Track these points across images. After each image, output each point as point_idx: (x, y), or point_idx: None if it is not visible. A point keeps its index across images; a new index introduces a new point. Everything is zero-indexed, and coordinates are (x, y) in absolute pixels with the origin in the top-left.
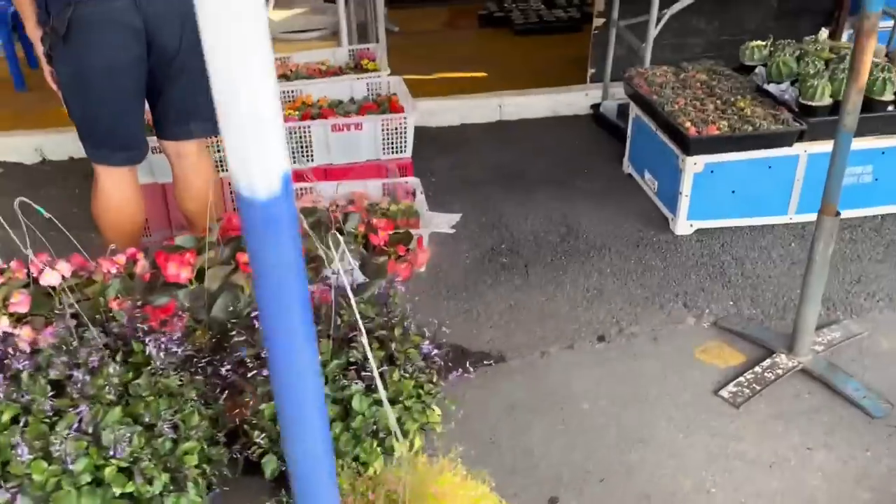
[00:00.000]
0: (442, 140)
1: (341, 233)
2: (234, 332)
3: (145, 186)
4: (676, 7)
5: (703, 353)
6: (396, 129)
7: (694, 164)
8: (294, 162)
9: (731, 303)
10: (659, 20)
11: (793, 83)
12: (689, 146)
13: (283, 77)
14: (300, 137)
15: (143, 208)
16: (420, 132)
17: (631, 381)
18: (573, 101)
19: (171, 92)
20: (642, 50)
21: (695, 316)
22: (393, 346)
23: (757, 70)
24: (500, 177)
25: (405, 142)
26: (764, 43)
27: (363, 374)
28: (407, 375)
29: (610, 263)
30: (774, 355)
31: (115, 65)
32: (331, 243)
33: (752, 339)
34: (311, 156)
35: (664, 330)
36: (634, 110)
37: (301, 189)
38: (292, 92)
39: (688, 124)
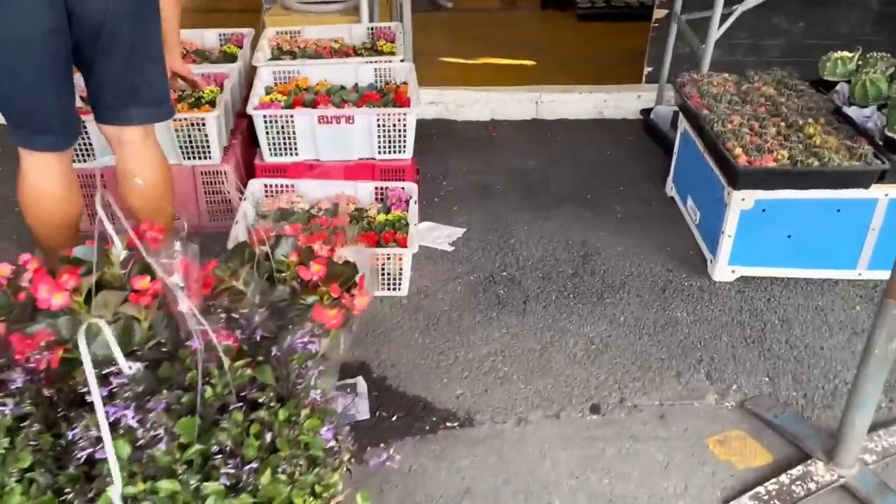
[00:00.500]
0: (465, 137)
1: (268, 260)
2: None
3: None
4: (750, 2)
5: (718, 445)
6: (394, 125)
7: (742, 200)
8: (273, 154)
9: (767, 378)
10: (729, 17)
11: (880, 108)
12: (738, 178)
13: (290, 54)
14: (282, 127)
15: (79, 200)
16: (442, 126)
17: (620, 473)
18: (623, 102)
19: (104, 69)
20: (701, 51)
21: (718, 392)
22: (274, 430)
23: (838, 87)
24: (521, 186)
25: (404, 141)
26: (851, 55)
27: (229, 466)
28: (284, 476)
29: (626, 309)
30: (810, 462)
31: (25, 36)
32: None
33: (786, 433)
34: (295, 149)
35: (676, 406)
36: (683, 123)
37: (280, 186)
38: (288, 72)
39: (738, 150)
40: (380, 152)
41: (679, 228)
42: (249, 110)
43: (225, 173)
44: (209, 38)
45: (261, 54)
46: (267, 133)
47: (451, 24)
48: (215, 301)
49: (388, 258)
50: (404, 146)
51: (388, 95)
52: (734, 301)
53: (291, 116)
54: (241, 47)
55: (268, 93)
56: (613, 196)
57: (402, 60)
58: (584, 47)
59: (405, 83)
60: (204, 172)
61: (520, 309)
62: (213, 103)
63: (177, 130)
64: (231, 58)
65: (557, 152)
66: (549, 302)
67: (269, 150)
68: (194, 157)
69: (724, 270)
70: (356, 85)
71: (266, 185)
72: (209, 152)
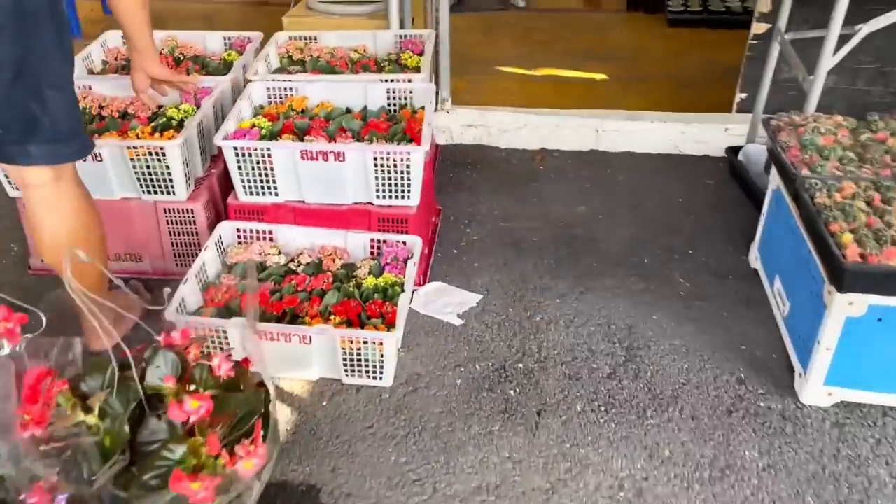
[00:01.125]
0: (505, 168)
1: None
2: None
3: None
4: (881, 21)
5: None
6: (395, 166)
7: (849, 305)
8: (249, 192)
9: None
10: (849, 39)
11: None
12: (843, 276)
13: (300, 64)
14: (257, 162)
15: None
16: (480, 154)
17: None
18: (706, 135)
19: None
20: (807, 83)
21: None
22: None
23: None
24: (562, 240)
25: (409, 184)
26: None
27: None
28: None
29: (674, 438)
30: None
31: None
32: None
33: None
34: (275, 188)
35: None
36: (776, 178)
37: (255, 232)
38: (285, 90)
39: (847, 237)
40: (378, 197)
41: (761, 318)
42: (218, 140)
43: (193, 212)
44: (212, 41)
45: (261, 65)
46: (240, 168)
47: (518, 26)
48: (54, 441)
49: (365, 343)
50: (408, 191)
51: (399, 124)
52: (828, 439)
53: (268, 150)
54: (243, 53)
55: (257, 114)
56: (679, 262)
57: (431, 79)
58: (669, 60)
59: (423, 108)
60: (168, 210)
61: (531, 422)
62: (182, 127)
63: (132, 160)
64: (230, 68)
65: (615, 196)
66: (572, 415)
67: (244, 187)
68: (156, 192)
69: (817, 391)
70: (364, 108)
71: (239, 230)
72: (172, 187)
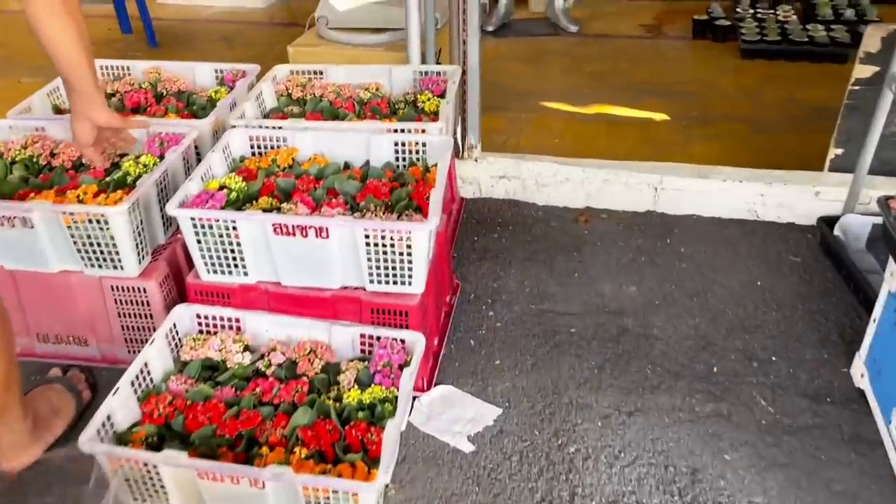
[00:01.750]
0: (542, 232)
1: None
2: None
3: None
4: None
5: None
6: (393, 245)
7: None
8: (212, 271)
9: None
10: None
11: None
12: None
13: (299, 104)
14: (220, 236)
15: None
16: (514, 212)
17: None
18: (792, 198)
19: None
20: None
21: None
22: None
23: None
24: (608, 335)
25: (409, 269)
26: None
27: None
28: None
29: None
30: None
31: None
32: None
33: None
34: (243, 266)
35: None
36: (892, 271)
37: (219, 319)
38: (271, 139)
39: None
40: (372, 281)
41: (874, 468)
42: (171, 209)
43: (146, 291)
44: (202, 74)
45: (250, 106)
46: (199, 242)
47: (568, 55)
48: None
49: (335, 493)
50: (410, 276)
51: (405, 188)
52: None
53: (233, 222)
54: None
55: (235, 168)
56: (758, 374)
57: (456, 122)
58: (742, 99)
59: (436, 166)
60: (116, 288)
61: None
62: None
63: (70, 228)
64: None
65: (676, 275)
66: None
67: (206, 265)
68: (100, 266)
69: None
70: (367, 164)
71: (199, 316)
72: (119, 261)
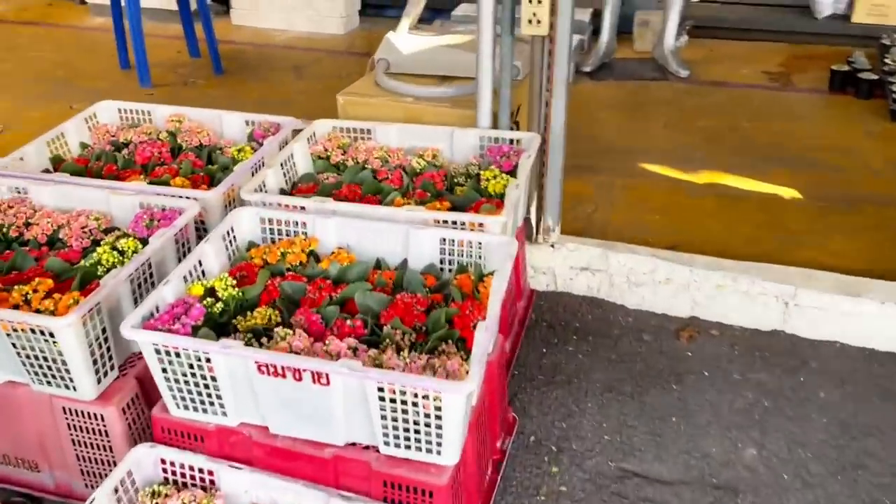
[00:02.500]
0: (629, 349)
1: None
2: None
3: None
4: None
5: None
6: (414, 403)
7: None
8: (182, 406)
9: None
10: None
11: None
12: None
13: (337, 170)
14: (189, 367)
15: None
16: (595, 316)
17: None
18: None
19: None
20: None
21: None
22: None
23: None
24: None
25: (437, 436)
26: None
27: None
28: None
29: None
30: None
31: None
32: None
33: None
34: (220, 405)
35: None
36: None
37: (189, 469)
38: (287, 223)
39: None
40: (387, 443)
41: None
42: (126, 328)
43: (103, 419)
44: (231, 125)
45: (272, 175)
46: (165, 371)
47: (676, 105)
48: None
49: None
50: (439, 444)
51: (443, 310)
52: None
53: (206, 355)
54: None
55: (239, 260)
56: None
57: (527, 204)
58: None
59: (492, 275)
60: (69, 410)
61: None
62: (89, 291)
63: (10, 335)
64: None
65: (813, 435)
66: None
67: (174, 399)
68: (49, 384)
69: None
70: (404, 264)
71: (164, 462)
72: (71, 380)
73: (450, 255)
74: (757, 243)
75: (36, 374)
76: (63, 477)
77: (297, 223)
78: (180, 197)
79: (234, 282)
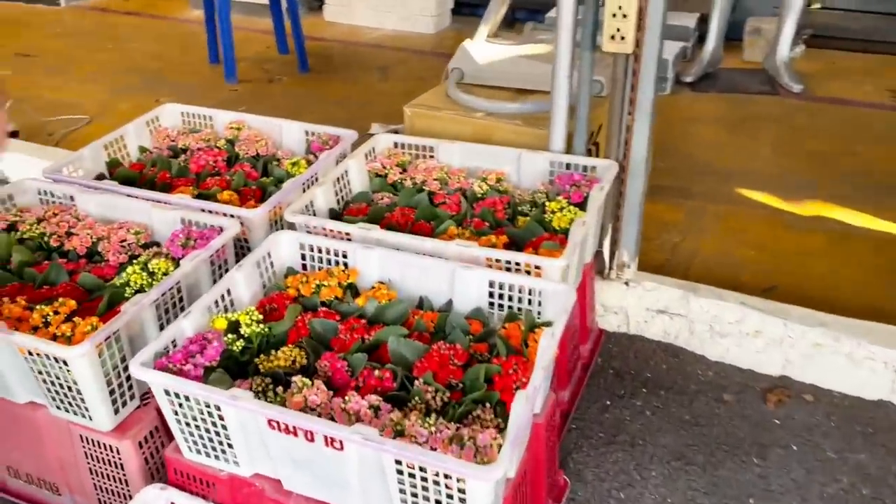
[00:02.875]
0: (706, 410)
1: None
2: None
3: None
4: None
5: None
6: (435, 481)
7: None
8: (195, 451)
9: None
10: None
11: None
12: None
13: (394, 190)
14: (200, 412)
15: None
16: (668, 366)
17: None
18: None
19: None
20: None
21: None
22: None
23: None
24: None
25: None
26: None
27: None
28: None
29: None
30: None
31: None
32: None
33: None
34: (233, 455)
35: None
36: None
37: None
38: (328, 252)
39: None
40: None
41: None
42: (135, 367)
43: (119, 452)
44: (291, 135)
45: (318, 194)
46: (177, 414)
47: (785, 123)
48: None
49: None
50: None
51: (486, 366)
52: None
53: (216, 407)
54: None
55: (277, 289)
56: None
57: (598, 236)
58: None
59: (548, 326)
60: (86, 439)
61: None
62: (115, 314)
63: (27, 359)
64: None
65: None
66: None
67: (187, 442)
68: (66, 410)
69: None
70: (449, 305)
71: None
72: (86, 410)
73: (500, 298)
74: (868, 293)
75: (53, 399)
76: (82, 501)
77: (338, 252)
78: (224, 214)
79: (261, 316)
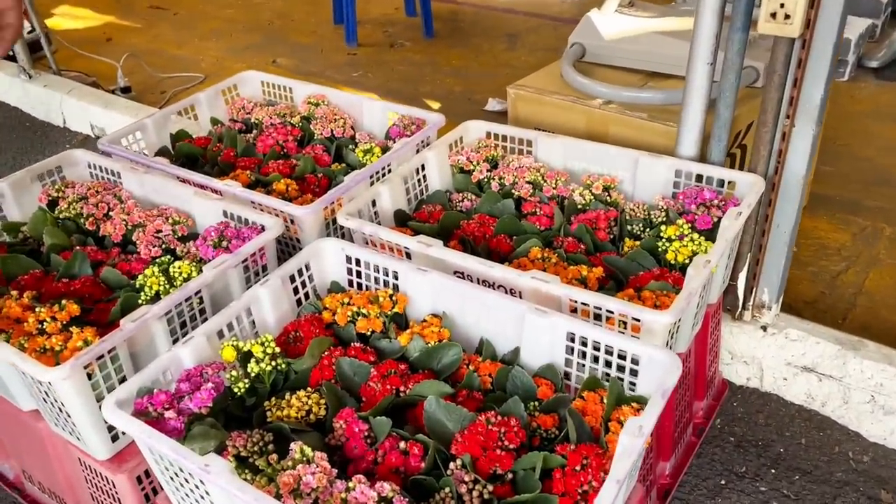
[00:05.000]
0: None
1: None
2: None
3: None
4: None
5: None
6: None
7: None
8: None
9: None
10: None
11: None
12: None
13: (480, 188)
14: (186, 480)
15: None
16: (809, 443)
17: None
18: None
19: None
20: None
21: None
22: None
23: None
24: None
25: None
26: None
27: None
28: None
29: None
30: None
31: None
32: None
33: None
34: None
35: None
36: None
37: None
38: (379, 272)
39: None
40: None
41: None
42: (106, 406)
43: (114, 485)
44: (372, 114)
45: (383, 191)
46: (160, 467)
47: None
48: None
49: None
50: None
51: (539, 460)
52: None
53: (200, 483)
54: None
55: (303, 312)
56: None
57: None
58: None
59: (641, 403)
60: (84, 464)
61: None
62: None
63: (25, 373)
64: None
65: None
66: None
67: (176, 498)
68: (64, 430)
69: None
70: (516, 353)
71: None
72: (80, 437)
73: (581, 357)
74: None
75: (50, 416)
76: None
77: (387, 271)
78: (270, 211)
79: (277, 349)
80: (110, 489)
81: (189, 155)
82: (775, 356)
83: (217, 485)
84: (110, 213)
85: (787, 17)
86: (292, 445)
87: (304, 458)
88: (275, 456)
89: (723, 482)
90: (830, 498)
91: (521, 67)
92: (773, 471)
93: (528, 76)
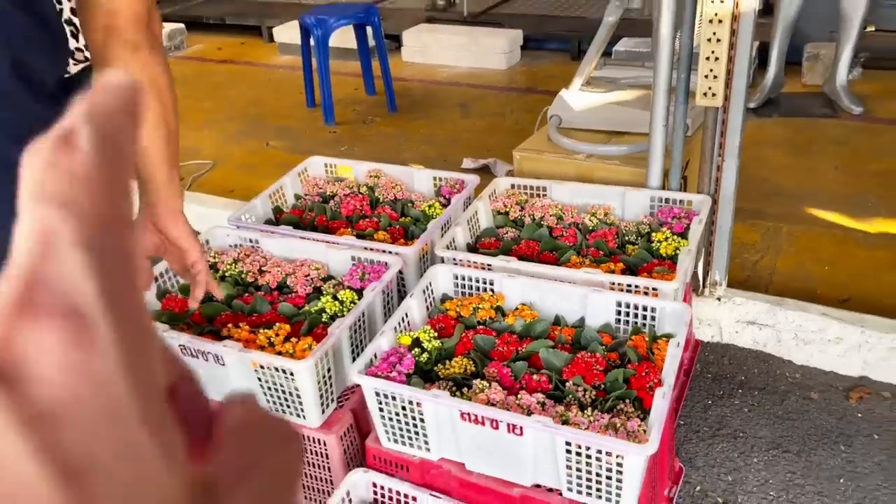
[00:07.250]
0: (797, 408)
1: None
2: None
3: None
4: None
5: None
6: (599, 459)
7: None
8: (392, 440)
9: None
10: None
11: None
12: None
13: (517, 225)
14: (403, 408)
15: None
16: (759, 370)
17: None
18: None
19: None
20: None
21: None
22: None
23: None
24: None
25: (617, 490)
26: None
27: None
28: None
29: None
30: None
31: None
32: None
33: None
34: (426, 442)
35: None
36: None
37: (394, 493)
38: (476, 280)
39: None
40: (570, 489)
41: None
42: (354, 374)
43: (325, 444)
44: (421, 181)
45: (458, 232)
46: (381, 410)
47: (848, 146)
48: None
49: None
50: (618, 496)
51: (620, 370)
52: None
53: (418, 404)
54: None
55: (437, 312)
56: None
57: (698, 257)
58: None
59: (668, 338)
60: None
61: None
62: (317, 334)
63: (257, 372)
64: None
65: None
66: None
67: (387, 432)
68: (283, 411)
69: None
70: (581, 322)
71: (375, 486)
72: (302, 411)
73: (625, 316)
74: None
75: (274, 403)
76: None
77: (485, 280)
78: (386, 252)
79: (435, 334)
80: (320, 449)
81: (292, 223)
82: (728, 317)
83: (445, 404)
84: (263, 269)
85: (714, 94)
86: (474, 382)
87: (485, 387)
88: (465, 387)
89: (709, 402)
90: (779, 401)
91: (478, 132)
92: (739, 391)
93: (525, 141)
